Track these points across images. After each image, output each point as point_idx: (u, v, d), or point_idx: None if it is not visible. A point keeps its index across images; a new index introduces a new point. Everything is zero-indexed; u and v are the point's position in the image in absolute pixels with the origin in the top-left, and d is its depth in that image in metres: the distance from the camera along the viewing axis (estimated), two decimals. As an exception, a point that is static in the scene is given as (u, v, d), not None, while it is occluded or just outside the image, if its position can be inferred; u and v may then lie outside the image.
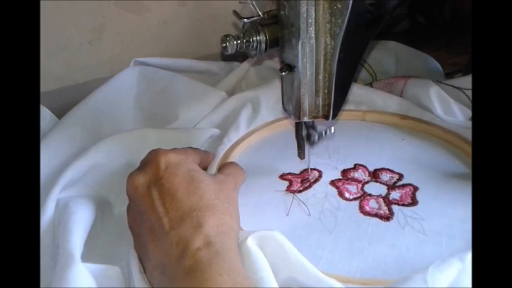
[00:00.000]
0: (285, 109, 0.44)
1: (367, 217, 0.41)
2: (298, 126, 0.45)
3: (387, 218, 0.41)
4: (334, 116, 0.42)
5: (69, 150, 0.47)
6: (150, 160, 0.37)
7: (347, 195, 0.44)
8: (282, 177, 0.46)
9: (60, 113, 0.53)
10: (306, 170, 0.47)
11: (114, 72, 0.58)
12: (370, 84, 0.61)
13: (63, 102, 0.56)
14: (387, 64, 0.66)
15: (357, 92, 0.58)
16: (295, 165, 0.47)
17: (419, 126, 0.53)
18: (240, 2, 0.45)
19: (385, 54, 0.66)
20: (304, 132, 0.44)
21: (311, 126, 0.44)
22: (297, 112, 0.42)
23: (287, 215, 0.42)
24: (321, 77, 0.40)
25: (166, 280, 0.32)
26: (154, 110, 0.56)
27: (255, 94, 0.57)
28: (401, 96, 0.58)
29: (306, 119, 0.42)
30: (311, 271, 0.32)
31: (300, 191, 0.44)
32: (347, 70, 0.40)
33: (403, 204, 0.42)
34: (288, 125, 0.55)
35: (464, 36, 0.69)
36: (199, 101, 0.57)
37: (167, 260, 0.32)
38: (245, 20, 0.42)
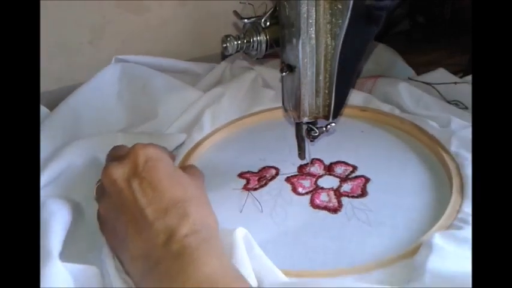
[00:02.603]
0: (285, 109, 0.44)
1: (316, 210, 0.42)
2: (298, 126, 0.45)
3: (335, 210, 0.42)
4: (335, 116, 0.42)
5: (49, 151, 0.47)
6: (128, 154, 0.36)
7: (300, 190, 0.45)
8: (241, 175, 0.47)
9: (60, 113, 0.53)
10: (263, 168, 0.48)
11: (114, 72, 0.58)
12: None
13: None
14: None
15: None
16: (255, 164, 0.48)
17: (378, 118, 0.53)
18: (240, 2, 0.45)
19: None
20: (304, 130, 0.45)
21: (311, 123, 0.44)
22: (297, 112, 0.42)
23: (240, 212, 0.43)
24: (321, 77, 0.40)
25: (150, 265, 0.32)
26: (136, 107, 0.56)
27: (222, 91, 0.57)
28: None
29: (306, 119, 0.42)
30: (270, 265, 0.34)
31: (255, 189, 0.45)
32: (347, 70, 0.40)
33: (353, 196, 0.43)
34: (251, 123, 0.55)
35: (464, 36, 0.69)
36: (177, 99, 0.57)
37: (151, 248, 0.32)
38: (245, 20, 0.42)
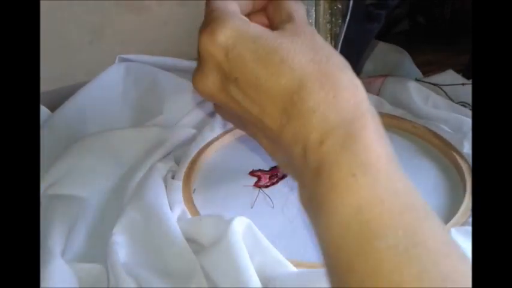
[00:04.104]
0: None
1: None
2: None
3: None
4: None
5: (54, 149, 0.47)
6: (202, 55, 0.29)
7: None
8: (252, 173, 0.48)
9: (60, 113, 0.53)
10: (275, 167, 0.48)
11: (114, 72, 0.58)
12: None
13: (63, 102, 0.56)
14: (366, 63, 0.65)
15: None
16: (266, 163, 0.49)
17: (390, 122, 0.54)
18: (240, 2, 0.45)
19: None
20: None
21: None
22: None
23: (251, 207, 0.43)
24: (321, 77, 0.40)
25: (298, 182, 0.28)
26: (142, 106, 0.57)
27: None
28: (378, 94, 0.58)
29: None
30: (279, 257, 0.34)
31: (267, 186, 0.46)
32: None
33: None
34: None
35: (464, 36, 0.69)
36: (185, 98, 0.57)
37: (293, 162, 0.27)
38: (245, 20, 0.42)
